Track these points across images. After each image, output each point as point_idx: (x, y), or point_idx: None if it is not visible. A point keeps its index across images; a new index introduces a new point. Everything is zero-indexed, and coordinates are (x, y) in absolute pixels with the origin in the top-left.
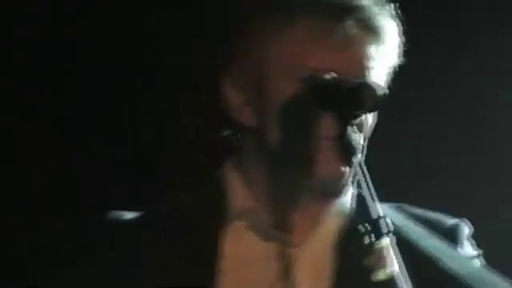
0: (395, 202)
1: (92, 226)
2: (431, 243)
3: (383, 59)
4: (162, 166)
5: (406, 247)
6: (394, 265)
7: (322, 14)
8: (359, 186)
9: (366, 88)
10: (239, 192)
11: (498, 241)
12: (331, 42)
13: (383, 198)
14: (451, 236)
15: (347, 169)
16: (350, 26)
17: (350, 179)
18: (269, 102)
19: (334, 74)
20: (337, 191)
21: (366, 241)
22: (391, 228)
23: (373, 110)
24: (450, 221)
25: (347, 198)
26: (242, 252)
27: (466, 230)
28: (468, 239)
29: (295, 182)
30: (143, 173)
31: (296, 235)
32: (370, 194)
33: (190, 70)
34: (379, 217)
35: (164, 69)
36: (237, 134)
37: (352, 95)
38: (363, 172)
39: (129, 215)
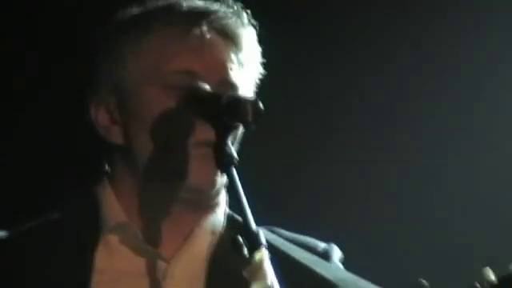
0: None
1: None
2: (307, 256)
3: (242, 63)
4: (37, 181)
5: (284, 261)
6: (270, 277)
7: (177, 22)
8: (233, 200)
9: (248, 102)
10: (112, 206)
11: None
12: (188, 46)
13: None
14: (325, 257)
15: (222, 178)
16: (205, 30)
17: (224, 189)
18: (135, 116)
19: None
20: (210, 201)
21: (244, 252)
22: (265, 242)
23: (253, 123)
24: (322, 244)
25: (220, 213)
26: (116, 266)
27: (339, 252)
28: (342, 263)
29: (166, 194)
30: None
31: (167, 249)
32: (245, 206)
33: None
34: (256, 229)
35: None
36: (108, 151)
37: (234, 108)
38: (238, 184)
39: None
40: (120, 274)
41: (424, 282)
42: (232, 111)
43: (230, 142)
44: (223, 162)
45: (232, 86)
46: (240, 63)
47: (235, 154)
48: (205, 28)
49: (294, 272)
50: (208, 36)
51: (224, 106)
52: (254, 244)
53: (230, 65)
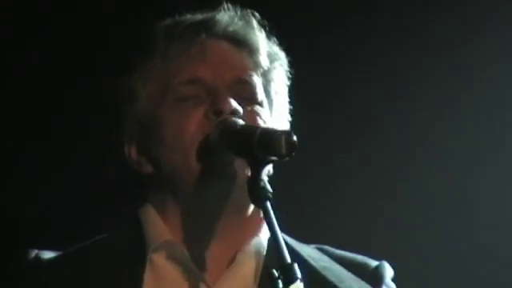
0: (316, 243)
1: (13, 267)
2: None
3: (257, 63)
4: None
5: None
6: None
7: (178, 37)
8: (271, 230)
9: (282, 134)
10: (157, 226)
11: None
12: (191, 56)
13: (304, 239)
14: (376, 276)
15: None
16: (206, 38)
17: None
18: (157, 139)
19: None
20: (243, 200)
21: (279, 286)
22: (299, 275)
23: (287, 157)
24: (374, 262)
25: (263, 238)
26: (162, 283)
27: (391, 270)
28: (392, 280)
29: (206, 208)
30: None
31: (211, 274)
32: (279, 239)
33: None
34: (291, 263)
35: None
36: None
37: (268, 142)
38: (272, 217)
39: (48, 255)
40: None
41: None
42: (265, 145)
43: (264, 176)
44: (258, 197)
45: (247, 84)
46: (255, 64)
47: (270, 188)
48: (205, 36)
49: None
50: (209, 43)
51: (257, 140)
52: (289, 278)
53: (240, 65)
